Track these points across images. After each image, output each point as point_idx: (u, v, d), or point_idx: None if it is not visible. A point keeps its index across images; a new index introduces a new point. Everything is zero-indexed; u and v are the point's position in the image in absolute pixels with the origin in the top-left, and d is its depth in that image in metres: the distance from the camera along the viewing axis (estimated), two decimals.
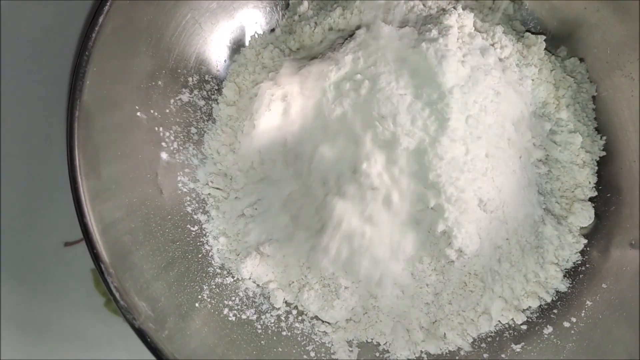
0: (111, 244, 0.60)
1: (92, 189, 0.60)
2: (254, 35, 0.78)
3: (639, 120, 0.70)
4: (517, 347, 0.67)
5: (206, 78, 0.75)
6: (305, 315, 0.70)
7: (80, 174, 0.57)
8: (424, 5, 0.71)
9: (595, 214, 0.71)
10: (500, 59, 0.69)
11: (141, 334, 0.56)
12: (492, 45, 0.69)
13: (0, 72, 0.80)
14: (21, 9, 0.81)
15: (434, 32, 0.65)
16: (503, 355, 0.67)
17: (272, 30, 0.78)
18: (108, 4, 0.60)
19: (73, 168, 0.57)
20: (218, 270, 0.70)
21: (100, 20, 0.60)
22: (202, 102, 0.74)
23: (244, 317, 0.68)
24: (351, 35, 0.72)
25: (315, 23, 0.75)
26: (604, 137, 0.73)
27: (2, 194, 0.80)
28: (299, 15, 0.77)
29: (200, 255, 0.70)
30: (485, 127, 0.64)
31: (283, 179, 0.70)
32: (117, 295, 0.56)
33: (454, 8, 0.68)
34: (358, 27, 0.72)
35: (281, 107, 0.69)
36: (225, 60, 0.77)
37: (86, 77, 0.59)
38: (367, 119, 0.64)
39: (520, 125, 0.68)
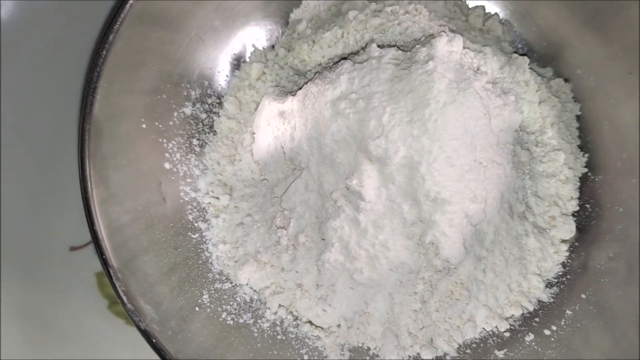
0: (118, 249, 0.63)
1: (100, 196, 0.63)
2: (254, 51, 0.81)
3: (622, 138, 0.73)
4: (500, 353, 0.70)
5: (208, 92, 0.78)
6: (300, 320, 0.72)
7: (90, 183, 0.60)
8: (416, 27, 0.74)
9: (577, 227, 0.73)
10: (489, 80, 0.71)
11: (147, 335, 0.59)
12: (481, 65, 0.72)
13: (1, 84, 0.83)
14: (36, 25, 0.84)
15: (426, 54, 0.67)
16: None
17: (272, 47, 0.81)
18: (118, 22, 0.63)
19: (84, 178, 0.60)
20: (217, 276, 0.72)
21: (111, 38, 0.63)
22: (204, 115, 0.77)
23: (241, 321, 0.71)
24: (347, 55, 0.75)
25: (313, 41, 0.78)
26: (587, 155, 0.76)
27: (11, 200, 0.82)
28: (298, 33, 0.80)
29: (200, 262, 0.72)
30: (473, 144, 0.66)
31: (281, 190, 0.73)
32: (124, 298, 0.59)
33: (445, 32, 0.71)
34: (354, 47, 0.75)
35: (280, 123, 0.72)
36: (226, 75, 0.80)
37: (97, 92, 0.62)
38: (361, 136, 0.66)
39: (506, 142, 0.71)
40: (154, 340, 0.58)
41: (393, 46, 0.72)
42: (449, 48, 0.68)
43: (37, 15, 0.83)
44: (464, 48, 0.71)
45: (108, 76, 0.64)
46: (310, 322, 0.72)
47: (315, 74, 0.74)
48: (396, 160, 0.65)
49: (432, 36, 0.72)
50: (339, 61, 0.72)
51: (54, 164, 0.83)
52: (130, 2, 0.64)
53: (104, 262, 0.59)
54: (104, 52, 0.63)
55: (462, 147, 0.65)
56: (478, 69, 0.70)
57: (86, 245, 0.81)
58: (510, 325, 0.72)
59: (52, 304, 0.81)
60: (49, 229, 0.82)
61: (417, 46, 0.69)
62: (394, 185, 0.66)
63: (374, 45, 0.71)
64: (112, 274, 0.59)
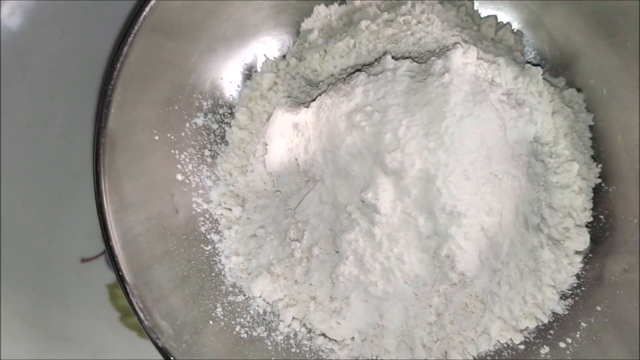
0: (132, 262, 0.62)
1: (114, 207, 0.62)
2: (266, 61, 0.80)
3: (635, 148, 0.72)
4: None
5: (220, 102, 0.78)
6: (313, 333, 0.72)
7: (106, 197, 0.60)
8: (430, 38, 0.74)
9: (591, 239, 0.73)
10: (503, 91, 0.71)
11: (164, 353, 0.58)
12: (495, 77, 0.71)
13: (10, 92, 0.83)
14: (49, 38, 0.83)
15: (441, 67, 0.67)
16: None
17: (284, 57, 0.81)
18: (132, 34, 0.63)
19: (100, 193, 0.59)
20: (230, 289, 0.72)
21: (125, 50, 0.63)
22: (215, 126, 0.77)
23: (255, 334, 0.70)
24: (360, 66, 0.74)
25: (325, 51, 0.77)
26: (600, 165, 0.76)
27: (21, 211, 0.82)
28: (309, 43, 0.79)
29: (213, 274, 0.72)
30: (489, 157, 0.66)
31: (294, 202, 0.72)
32: (141, 315, 0.58)
33: (459, 43, 0.71)
34: (366, 58, 0.75)
35: (294, 135, 0.72)
36: (238, 86, 0.79)
37: (111, 105, 0.62)
38: (377, 149, 0.66)
39: (521, 154, 0.71)
40: (172, 358, 0.58)
41: (407, 58, 0.71)
42: (464, 60, 0.68)
43: (49, 26, 0.83)
44: (478, 59, 0.71)
45: (122, 88, 0.63)
46: (324, 334, 0.72)
47: (329, 85, 0.74)
48: (412, 174, 0.65)
49: (446, 47, 0.71)
50: (353, 72, 0.72)
51: (64, 174, 0.83)
52: (144, 13, 0.64)
53: (120, 278, 0.59)
54: (118, 65, 0.62)
55: (478, 160, 0.65)
56: (493, 81, 0.70)
57: (98, 257, 0.81)
58: (525, 337, 0.71)
59: (63, 316, 0.80)
60: (59, 240, 0.82)
61: (432, 58, 0.69)
62: (410, 198, 0.66)
63: (389, 57, 0.70)
64: (128, 290, 0.59)
